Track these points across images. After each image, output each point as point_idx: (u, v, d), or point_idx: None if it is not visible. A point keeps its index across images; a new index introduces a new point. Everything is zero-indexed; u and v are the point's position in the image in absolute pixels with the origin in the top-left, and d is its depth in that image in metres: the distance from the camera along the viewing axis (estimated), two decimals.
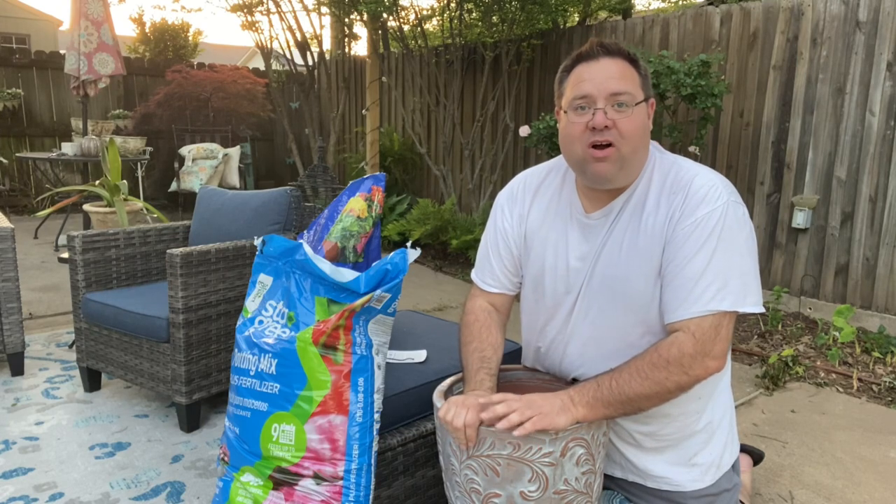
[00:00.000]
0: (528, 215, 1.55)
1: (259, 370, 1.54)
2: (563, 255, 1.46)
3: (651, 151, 1.43)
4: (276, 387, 1.52)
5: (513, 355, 2.05)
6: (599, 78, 1.32)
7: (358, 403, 1.51)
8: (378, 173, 2.09)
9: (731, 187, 1.37)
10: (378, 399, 1.55)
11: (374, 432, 1.54)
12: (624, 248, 1.37)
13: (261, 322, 1.60)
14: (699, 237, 1.29)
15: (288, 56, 6.74)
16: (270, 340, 1.54)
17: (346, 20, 6.39)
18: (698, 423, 1.46)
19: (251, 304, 1.64)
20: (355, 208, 1.90)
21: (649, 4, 9.71)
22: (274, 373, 1.52)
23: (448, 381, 1.47)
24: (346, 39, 7.23)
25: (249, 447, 1.56)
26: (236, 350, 1.61)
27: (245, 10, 6.52)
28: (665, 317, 1.33)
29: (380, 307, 1.52)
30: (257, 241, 1.66)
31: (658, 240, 1.34)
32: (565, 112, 1.37)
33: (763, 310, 1.33)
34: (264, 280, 1.64)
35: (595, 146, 1.32)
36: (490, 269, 1.61)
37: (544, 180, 1.56)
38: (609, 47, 1.35)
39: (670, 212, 1.33)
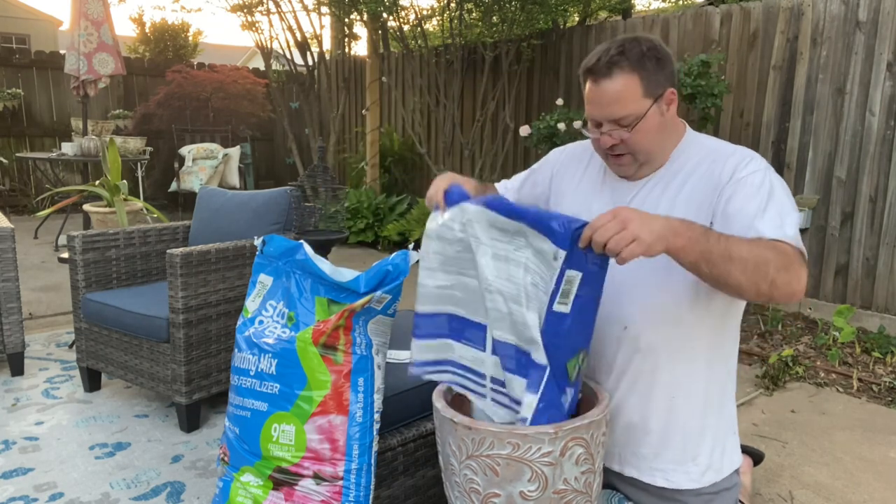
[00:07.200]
0: (568, 179, 1.62)
1: (259, 370, 1.54)
2: (587, 208, 1.49)
3: (688, 130, 1.48)
4: (276, 387, 1.52)
5: None
6: (601, 103, 1.37)
7: (358, 403, 1.51)
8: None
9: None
10: (378, 399, 1.55)
11: (374, 432, 1.54)
12: (660, 210, 1.37)
13: (261, 322, 1.60)
14: (752, 187, 1.33)
15: (288, 56, 6.74)
16: (270, 340, 1.54)
17: (346, 20, 6.39)
18: (701, 422, 1.47)
19: (251, 304, 1.64)
20: None
21: (649, 4, 9.73)
22: (274, 373, 1.52)
23: None
24: (346, 39, 7.22)
25: (249, 447, 1.56)
26: (236, 350, 1.61)
27: (245, 10, 6.51)
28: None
29: (380, 308, 1.52)
30: (257, 241, 1.66)
31: (700, 203, 1.37)
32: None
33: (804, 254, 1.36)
34: (264, 280, 1.64)
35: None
36: (514, 181, 1.75)
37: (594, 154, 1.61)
38: (605, 71, 1.35)
39: (715, 176, 1.38)
